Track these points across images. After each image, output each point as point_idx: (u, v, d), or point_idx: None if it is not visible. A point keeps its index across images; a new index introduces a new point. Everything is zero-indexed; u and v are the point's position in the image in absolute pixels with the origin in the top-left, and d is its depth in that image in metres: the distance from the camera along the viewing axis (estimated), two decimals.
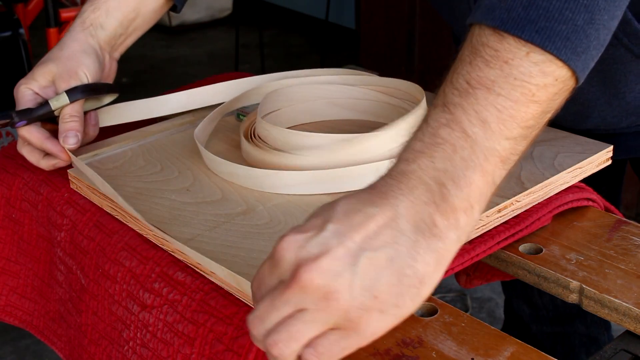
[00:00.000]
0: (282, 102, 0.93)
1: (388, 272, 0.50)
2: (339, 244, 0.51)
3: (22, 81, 0.88)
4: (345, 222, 0.52)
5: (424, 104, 0.85)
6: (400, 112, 0.94)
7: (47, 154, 0.88)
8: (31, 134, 0.86)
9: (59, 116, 0.87)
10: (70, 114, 0.87)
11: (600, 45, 0.56)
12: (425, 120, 0.55)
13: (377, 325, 0.51)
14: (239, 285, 0.66)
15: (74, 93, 0.87)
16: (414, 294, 0.51)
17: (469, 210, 0.52)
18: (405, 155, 0.54)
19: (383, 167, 0.81)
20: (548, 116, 0.56)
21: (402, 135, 0.82)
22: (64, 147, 0.86)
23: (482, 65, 0.53)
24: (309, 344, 0.51)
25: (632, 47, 0.83)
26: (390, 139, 0.81)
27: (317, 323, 0.51)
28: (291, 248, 0.52)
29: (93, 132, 0.91)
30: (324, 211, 0.53)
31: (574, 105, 0.91)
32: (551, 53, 0.53)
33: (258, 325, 0.52)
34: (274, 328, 0.51)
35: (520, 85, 0.53)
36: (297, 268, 0.50)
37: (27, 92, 0.87)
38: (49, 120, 0.88)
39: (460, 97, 0.54)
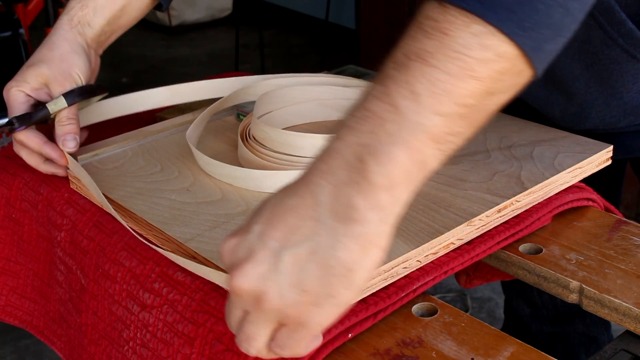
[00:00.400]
0: (274, 104, 0.93)
1: (312, 265, 0.50)
2: (261, 247, 0.51)
3: (12, 83, 0.86)
4: (267, 221, 0.52)
5: None
6: None
7: (46, 159, 0.87)
8: (29, 139, 0.85)
9: (52, 118, 0.86)
10: (67, 117, 0.86)
11: (557, 27, 0.51)
12: (361, 94, 0.52)
13: (318, 317, 0.52)
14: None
15: (71, 96, 0.86)
16: (346, 282, 0.50)
17: (391, 189, 0.49)
18: (336, 131, 0.52)
19: None
20: (495, 99, 0.52)
21: None
22: (62, 151, 0.86)
23: (421, 37, 0.50)
24: (272, 338, 0.53)
25: (627, 48, 0.83)
26: None
27: (262, 323, 0.52)
28: (226, 253, 0.54)
29: (84, 134, 0.91)
30: (257, 209, 0.54)
31: (572, 107, 0.91)
32: (492, 24, 0.49)
33: (230, 326, 0.56)
34: (237, 329, 0.55)
35: (458, 58, 0.49)
36: (230, 274, 0.52)
37: (19, 95, 0.86)
38: (40, 121, 0.88)
39: (395, 70, 0.50)
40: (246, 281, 0.51)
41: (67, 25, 0.89)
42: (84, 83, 0.88)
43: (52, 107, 0.85)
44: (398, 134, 0.49)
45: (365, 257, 0.50)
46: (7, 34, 2.06)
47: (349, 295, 0.51)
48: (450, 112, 0.50)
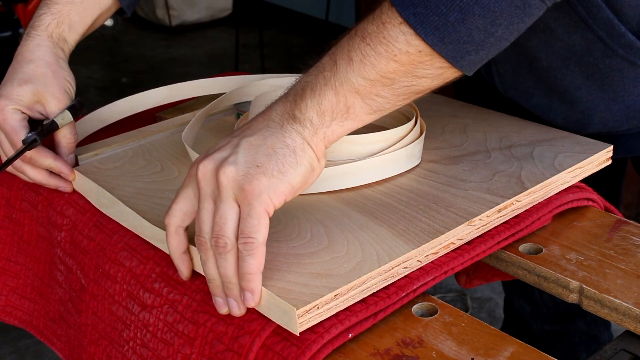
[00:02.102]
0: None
1: (264, 147, 0.63)
2: (228, 141, 0.65)
3: (5, 102, 0.84)
4: (236, 129, 0.68)
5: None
6: None
7: (51, 173, 0.87)
8: (40, 155, 0.85)
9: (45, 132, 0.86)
10: (71, 132, 0.87)
11: (478, 44, 0.63)
12: (331, 48, 0.67)
13: (269, 188, 0.62)
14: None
15: (74, 110, 0.87)
16: (292, 162, 0.63)
17: (320, 115, 0.64)
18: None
19: (380, 163, 0.81)
20: (420, 81, 0.65)
21: (399, 133, 0.83)
22: (71, 167, 0.86)
23: (369, 20, 0.64)
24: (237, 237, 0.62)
25: (628, 57, 0.84)
26: (387, 137, 0.82)
27: (226, 200, 0.62)
28: (198, 158, 0.65)
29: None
30: None
31: (575, 114, 0.92)
32: (417, 34, 0.62)
33: (206, 237, 0.63)
34: (209, 225, 0.63)
35: (386, 44, 0.63)
36: (198, 163, 0.64)
37: (16, 113, 0.85)
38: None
39: (346, 39, 0.65)
40: (210, 161, 0.63)
41: (48, 41, 0.90)
42: (74, 97, 0.89)
43: (60, 122, 0.86)
44: (331, 81, 0.64)
45: (305, 149, 0.64)
46: (7, 34, 2.06)
47: (295, 175, 0.63)
48: (373, 79, 0.64)
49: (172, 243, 0.67)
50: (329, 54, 0.66)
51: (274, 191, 0.62)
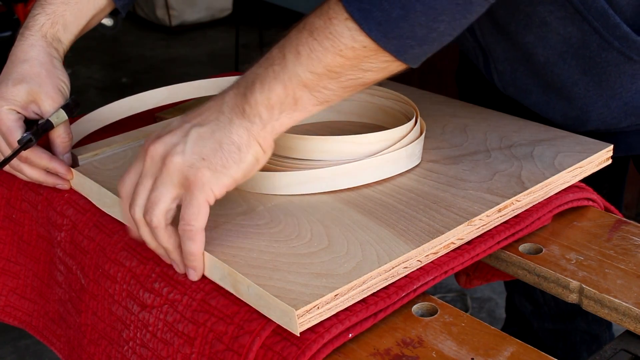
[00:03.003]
0: None
1: (211, 140, 0.66)
2: (178, 126, 0.68)
3: (0, 102, 0.85)
4: (186, 114, 0.70)
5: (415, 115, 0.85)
6: (385, 111, 0.95)
7: (48, 172, 0.87)
8: (36, 154, 0.85)
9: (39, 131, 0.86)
10: (66, 132, 0.88)
11: (420, 39, 0.65)
12: (281, 39, 0.68)
13: (212, 182, 0.66)
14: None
15: (68, 109, 0.87)
16: (236, 158, 0.67)
17: (269, 108, 0.66)
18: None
19: (380, 163, 0.81)
20: (366, 74, 0.67)
21: (399, 133, 0.83)
22: (68, 166, 0.87)
23: (317, 15, 0.66)
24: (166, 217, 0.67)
25: (623, 50, 0.84)
26: (387, 137, 0.82)
27: (167, 185, 0.66)
28: (151, 136, 0.69)
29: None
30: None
31: (573, 110, 0.92)
32: (362, 29, 0.63)
33: (134, 206, 0.68)
34: (144, 199, 0.68)
35: (332, 39, 0.64)
36: (149, 145, 0.68)
37: (12, 113, 0.85)
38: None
39: (295, 32, 0.67)
40: (161, 145, 0.67)
41: (42, 41, 0.90)
42: (68, 96, 0.89)
43: (55, 121, 0.86)
44: (280, 74, 0.66)
45: (250, 145, 0.67)
46: (7, 34, 2.06)
47: (237, 170, 0.67)
48: (320, 73, 0.66)
49: (123, 208, 0.72)
50: (278, 46, 0.67)
51: (216, 183, 0.66)
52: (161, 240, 0.69)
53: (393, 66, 0.67)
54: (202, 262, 0.69)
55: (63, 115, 0.86)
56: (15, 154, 0.83)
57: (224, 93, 0.69)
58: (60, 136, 0.87)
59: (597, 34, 0.83)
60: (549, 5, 0.83)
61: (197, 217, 0.66)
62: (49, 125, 0.85)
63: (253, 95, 0.66)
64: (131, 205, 0.69)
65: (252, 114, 0.67)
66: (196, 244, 0.68)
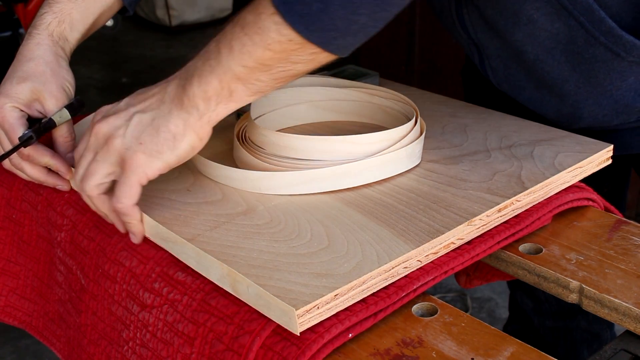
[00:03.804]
0: (266, 107, 0.93)
1: (150, 127, 0.72)
2: (124, 109, 0.74)
3: (3, 100, 0.86)
4: (134, 97, 0.75)
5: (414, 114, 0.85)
6: (385, 111, 0.95)
7: (49, 171, 0.87)
8: (38, 152, 0.85)
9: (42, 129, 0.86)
10: (68, 131, 0.88)
11: (343, 31, 0.67)
12: (220, 31, 0.72)
13: (145, 165, 0.72)
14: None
15: (72, 109, 0.87)
16: (171, 146, 0.72)
17: (206, 100, 0.71)
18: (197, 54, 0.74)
19: (380, 163, 0.81)
20: (297, 66, 0.69)
21: (399, 133, 0.83)
22: (69, 165, 0.87)
23: (248, 10, 0.69)
24: (112, 196, 0.73)
25: (610, 46, 0.84)
26: (387, 137, 0.82)
27: (104, 162, 0.73)
28: (100, 112, 0.76)
29: None
30: (131, 94, 0.76)
31: (565, 107, 0.92)
32: (287, 22, 0.66)
33: (76, 173, 0.76)
34: (83, 169, 0.75)
35: (261, 34, 0.67)
36: (96, 123, 0.74)
37: (14, 111, 0.85)
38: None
39: (230, 26, 0.70)
40: (106, 125, 0.73)
41: (48, 40, 0.90)
42: (73, 96, 0.89)
43: (57, 120, 0.86)
44: (215, 68, 0.70)
45: (185, 134, 0.72)
46: (7, 34, 2.06)
47: (171, 156, 0.72)
48: (252, 66, 0.69)
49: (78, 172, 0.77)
50: (215, 40, 0.71)
51: (149, 167, 0.72)
52: (96, 206, 0.77)
53: (321, 57, 0.69)
54: (141, 227, 0.76)
55: (66, 114, 0.86)
56: (14, 149, 0.83)
57: (168, 82, 0.74)
58: (62, 135, 0.87)
59: (583, 29, 0.83)
60: (535, 2, 0.83)
61: (128, 195, 0.73)
62: (51, 124, 0.86)
63: (191, 88, 0.71)
64: (75, 173, 0.76)
65: (189, 105, 0.71)
66: (131, 216, 0.75)
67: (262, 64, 0.69)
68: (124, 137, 0.72)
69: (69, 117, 0.87)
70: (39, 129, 0.84)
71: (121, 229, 0.78)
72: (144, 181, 0.73)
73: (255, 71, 0.69)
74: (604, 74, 0.87)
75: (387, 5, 0.68)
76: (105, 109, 0.76)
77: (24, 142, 0.83)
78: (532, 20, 0.85)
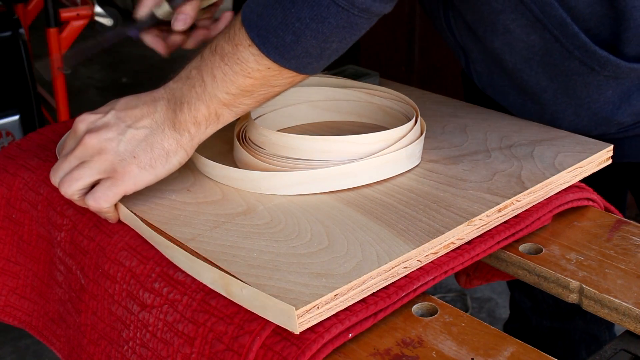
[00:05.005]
0: (266, 107, 0.93)
1: (144, 142, 0.76)
2: (116, 122, 0.77)
3: None
4: (123, 110, 0.78)
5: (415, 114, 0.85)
6: (385, 111, 0.95)
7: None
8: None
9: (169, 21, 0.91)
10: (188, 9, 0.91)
11: (316, 57, 0.72)
12: (198, 56, 0.77)
13: (136, 177, 0.76)
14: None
15: (173, 1, 0.90)
16: (163, 161, 0.77)
17: (197, 125, 0.76)
18: (177, 75, 0.78)
19: (380, 163, 0.81)
20: (274, 88, 0.75)
21: (399, 133, 0.83)
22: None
23: (226, 39, 0.74)
24: (90, 193, 0.76)
25: (584, 60, 0.83)
26: (387, 137, 0.82)
27: (93, 170, 0.76)
28: (85, 122, 0.78)
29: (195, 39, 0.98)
30: (111, 103, 0.79)
31: (546, 115, 0.92)
32: (264, 53, 0.71)
33: (54, 175, 0.78)
34: (66, 173, 0.77)
35: (240, 64, 0.73)
36: (85, 134, 0.77)
37: None
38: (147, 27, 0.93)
39: (209, 54, 0.75)
40: (96, 137, 0.76)
41: None
42: None
43: (158, 12, 0.91)
44: (202, 96, 0.75)
45: (177, 152, 0.77)
46: (7, 34, 2.06)
47: (162, 170, 0.77)
48: (235, 93, 0.75)
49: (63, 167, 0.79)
50: (195, 67, 0.76)
51: (140, 179, 0.76)
52: (78, 202, 0.79)
53: (299, 78, 0.75)
54: (116, 214, 0.79)
55: (165, 6, 0.90)
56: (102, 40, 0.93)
57: (154, 99, 0.78)
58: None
59: (558, 42, 0.83)
60: (511, 13, 0.83)
61: (108, 200, 0.76)
62: (152, 17, 0.91)
63: (182, 114, 0.76)
64: (52, 172, 0.79)
65: (181, 128, 0.77)
66: (103, 212, 0.78)
67: (244, 90, 0.74)
68: (118, 149, 0.76)
69: (168, 8, 0.90)
70: (135, 23, 0.91)
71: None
72: (130, 192, 0.77)
73: (239, 96, 0.75)
74: (581, 86, 0.86)
75: (355, 30, 0.72)
76: (88, 118, 0.78)
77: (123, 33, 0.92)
78: (509, 30, 0.85)
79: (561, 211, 0.82)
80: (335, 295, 0.63)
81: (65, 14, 2.15)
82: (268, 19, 0.71)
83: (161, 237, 0.73)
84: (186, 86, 0.76)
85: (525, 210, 0.79)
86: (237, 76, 0.73)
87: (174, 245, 0.71)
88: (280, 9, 0.70)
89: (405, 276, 0.69)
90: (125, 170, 0.76)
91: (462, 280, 0.90)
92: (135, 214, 0.77)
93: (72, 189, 0.76)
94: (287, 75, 0.74)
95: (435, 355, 0.63)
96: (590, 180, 0.86)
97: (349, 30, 0.71)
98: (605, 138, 0.91)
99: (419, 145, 0.84)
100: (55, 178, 0.78)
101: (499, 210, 0.76)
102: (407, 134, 0.83)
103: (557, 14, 0.81)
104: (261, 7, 0.71)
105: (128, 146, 0.76)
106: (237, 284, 0.65)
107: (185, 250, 0.71)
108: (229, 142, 0.91)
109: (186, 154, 0.78)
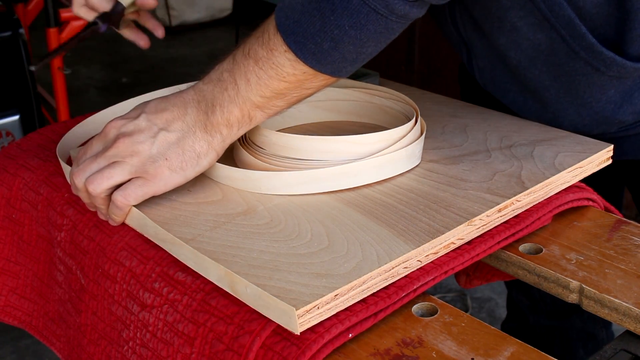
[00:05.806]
0: None
1: (176, 145, 0.77)
2: (148, 125, 0.77)
3: None
4: (153, 114, 0.78)
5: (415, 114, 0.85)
6: (385, 111, 0.95)
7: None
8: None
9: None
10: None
11: (352, 61, 0.74)
12: (229, 58, 0.77)
13: (167, 178, 0.77)
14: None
15: None
16: (194, 163, 0.77)
17: (229, 127, 0.77)
18: (207, 77, 0.78)
19: (380, 163, 0.81)
20: (307, 91, 0.76)
21: (399, 133, 0.83)
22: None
23: (260, 43, 0.74)
24: (119, 189, 0.76)
25: (590, 60, 0.84)
26: (387, 137, 0.82)
27: (125, 170, 0.76)
28: (116, 126, 0.78)
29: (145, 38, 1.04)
30: (140, 106, 0.79)
31: (547, 113, 0.92)
32: (299, 58, 0.72)
33: (80, 174, 0.78)
34: (96, 171, 0.77)
35: (275, 68, 0.74)
36: (117, 138, 0.77)
37: None
38: (118, 17, 0.94)
39: (242, 58, 0.75)
40: (130, 140, 0.76)
41: None
42: None
43: (125, 1, 0.91)
44: (235, 99, 0.76)
45: (208, 154, 0.78)
46: (7, 34, 2.06)
47: (192, 172, 0.78)
48: (269, 96, 0.75)
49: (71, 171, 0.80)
50: (228, 70, 0.76)
51: (170, 180, 0.77)
52: (96, 204, 0.79)
53: (331, 81, 0.76)
54: (124, 218, 0.79)
55: None
56: (80, 33, 0.91)
57: (185, 102, 0.78)
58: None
59: (564, 42, 0.83)
60: (519, 10, 0.83)
61: (136, 198, 0.77)
62: (119, 7, 0.91)
63: (214, 116, 0.76)
64: (77, 173, 0.78)
65: (213, 130, 0.77)
66: (122, 211, 0.78)
67: (278, 92, 0.75)
68: (151, 152, 0.76)
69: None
70: (104, 15, 0.91)
71: (101, 216, 0.81)
72: (159, 193, 0.77)
73: (273, 99, 0.76)
74: (584, 86, 0.87)
75: (391, 34, 0.73)
76: (119, 123, 0.79)
77: (89, 26, 0.90)
78: (516, 28, 0.85)
79: (561, 211, 0.82)
80: (336, 295, 0.63)
81: (65, 14, 2.15)
82: (306, 26, 0.71)
83: (169, 233, 0.73)
84: (218, 88, 0.76)
85: (526, 210, 0.79)
86: (272, 80, 0.74)
87: (181, 242, 0.71)
88: (319, 17, 0.70)
89: (406, 276, 0.69)
90: (157, 172, 0.76)
91: (462, 280, 0.90)
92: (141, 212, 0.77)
93: (102, 187, 0.76)
94: (322, 78, 0.75)
95: (435, 355, 0.63)
96: (587, 178, 0.86)
97: (385, 35, 0.73)
98: (606, 137, 0.91)
99: (419, 145, 0.84)
100: (81, 177, 0.78)
101: (499, 210, 0.76)
102: (407, 134, 0.83)
103: (565, 14, 0.81)
104: (298, 14, 0.72)
105: (160, 148, 0.76)
106: (242, 282, 0.65)
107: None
108: None
109: (217, 155, 0.79)
